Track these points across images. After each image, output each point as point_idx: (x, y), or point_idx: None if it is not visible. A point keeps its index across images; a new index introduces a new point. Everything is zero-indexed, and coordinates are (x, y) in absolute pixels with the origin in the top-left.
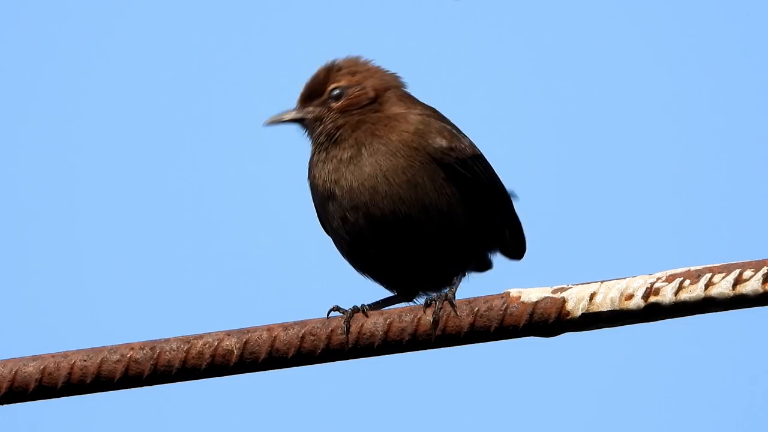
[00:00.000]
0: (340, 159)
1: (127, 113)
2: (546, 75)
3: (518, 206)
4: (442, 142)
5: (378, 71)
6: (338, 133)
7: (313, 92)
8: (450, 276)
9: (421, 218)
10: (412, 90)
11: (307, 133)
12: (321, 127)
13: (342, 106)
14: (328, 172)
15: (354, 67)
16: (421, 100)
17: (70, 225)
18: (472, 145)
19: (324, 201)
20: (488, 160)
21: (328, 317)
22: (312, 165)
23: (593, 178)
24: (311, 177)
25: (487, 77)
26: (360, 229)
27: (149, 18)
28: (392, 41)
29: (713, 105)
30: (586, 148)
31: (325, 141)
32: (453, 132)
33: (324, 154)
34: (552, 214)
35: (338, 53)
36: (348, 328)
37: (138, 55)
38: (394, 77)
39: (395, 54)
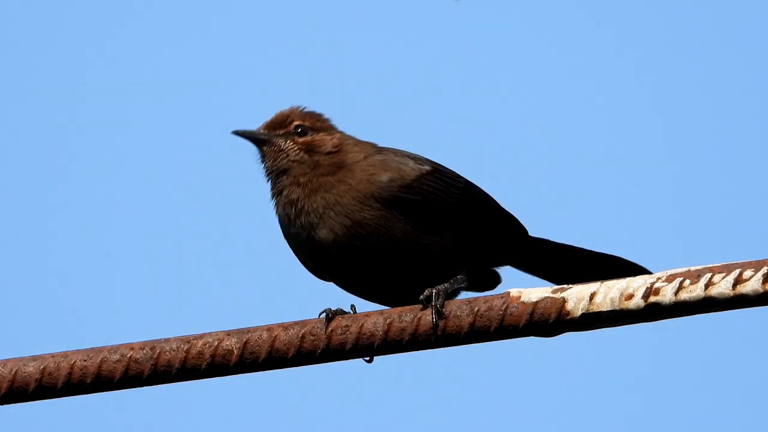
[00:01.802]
0: (296, 215)
1: (129, 114)
2: (547, 75)
3: (518, 207)
4: (383, 176)
5: (335, 130)
6: (292, 179)
7: (278, 123)
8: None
9: (389, 258)
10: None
11: (263, 161)
12: (283, 160)
13: (306, 141)
14: (289, 224)
15: (316, 117)
16: (373, 141)
17: (71, 225)
18: (418, 167)
19: (291, 246)
20: (466, 177)
21: (319, 318)
22: (275, 209)
23: (593, 178)
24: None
25: (488, 77)
26: (332, 273)
27: (151, 21)
28: (391, 42)
29: (713, 105)
30: (586, 148)
31: (278, 185)
32: (395, 162)
33: (281, 207)
34: (552, 214)
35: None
36: (329, 323)
37: (139, 58)
38: (347, 135)
39: (392, 54)
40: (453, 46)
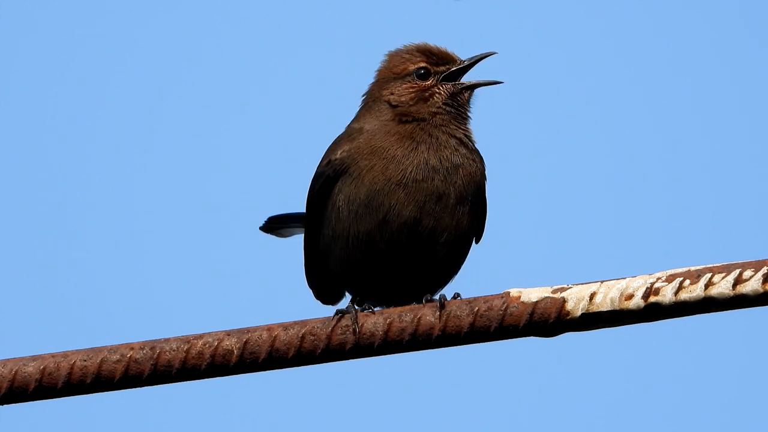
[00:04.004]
0: (412, 164)
1: (132, 117)
2: (550, 73)
3: (519, 209)
4: (482, 166)
5: None
6: (432, 126)
7: (443, 60)
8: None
9: (451, 236)
10: None
11: (405, 93)
12: (438, 104)
13: (461, 101)
14: (396, 176)
15: None
16: None
17: (71, 225)
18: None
19: (369, 199)
20: None
21: (333, 318)
22: (369, 153)
23: (593, 179)
24: (363, 168)
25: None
26: (387, 238)
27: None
28: (390, 41)
29: (713, 106)
30: (587, 149)
31: (414, 128)
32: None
33: (399, 149)
34: (552, 214)
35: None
36: (357, 327)
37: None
38: None
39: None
40: (453, 46)
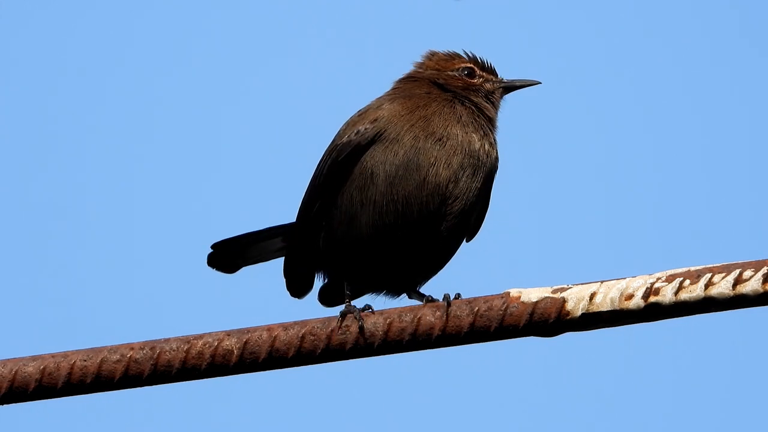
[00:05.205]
0: (449, 138)
1: (134, 118)
2: (551, 72)
3: (518, 209)
4: (496, 152)
5: None
6: (478, 112)
7: (488, 71)
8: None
9: (463, 228)
10: None
11: (472, 85)
12: (479, 99)
13: (494, 99)
14: (439, 130)
15: None
16: None
17: (71, 225)
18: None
19: (409, 158)
20: None
21: (341, 319)
22: (408, 112)
23: (593, 178)
24: (402, 127)
25: None
26: (399, 222)
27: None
28: (391, 41)
29: (714, 106)
30: (587, 149)
31: (456, 105)
32: None
33: (438, 107)
34: (552, 214)
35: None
36: (362, 327)
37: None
38: None
39: (392, 54)
40: (452, 46)
